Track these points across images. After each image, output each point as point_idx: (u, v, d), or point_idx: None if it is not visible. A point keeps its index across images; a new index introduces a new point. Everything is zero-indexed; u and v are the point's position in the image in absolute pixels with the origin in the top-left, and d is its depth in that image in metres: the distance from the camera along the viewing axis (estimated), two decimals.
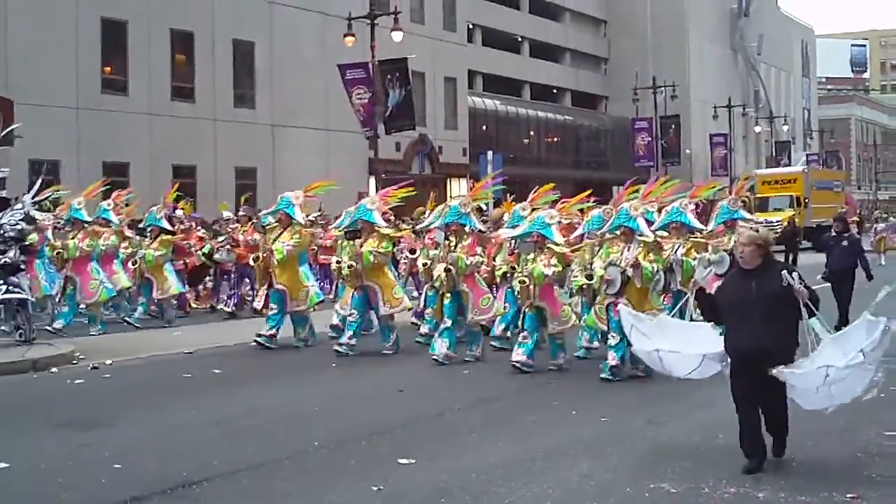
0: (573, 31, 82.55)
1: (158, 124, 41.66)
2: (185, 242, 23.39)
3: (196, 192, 39.42)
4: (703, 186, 17.04)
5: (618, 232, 14.99)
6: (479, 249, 16.61)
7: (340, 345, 17.03)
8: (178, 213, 25.03)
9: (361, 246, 17.15)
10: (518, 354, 15.20)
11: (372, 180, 45.32)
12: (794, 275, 9.14)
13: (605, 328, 14.76)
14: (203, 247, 24.03)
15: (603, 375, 14.49)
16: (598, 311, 14.83)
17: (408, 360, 16.80)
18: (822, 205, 56.95)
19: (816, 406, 9.59)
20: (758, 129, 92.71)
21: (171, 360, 16.60)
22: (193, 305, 24.69)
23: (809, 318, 9.28)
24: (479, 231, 17.12)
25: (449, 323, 16.31)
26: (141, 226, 22.45)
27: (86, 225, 20.65)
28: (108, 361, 16.36)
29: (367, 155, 44.92)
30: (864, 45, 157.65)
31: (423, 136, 55.19)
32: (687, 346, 10.18)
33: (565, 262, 15.64)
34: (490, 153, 49.08)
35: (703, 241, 16.57)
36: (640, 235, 14.75)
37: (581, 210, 18.62)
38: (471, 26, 66.94)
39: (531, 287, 15.27)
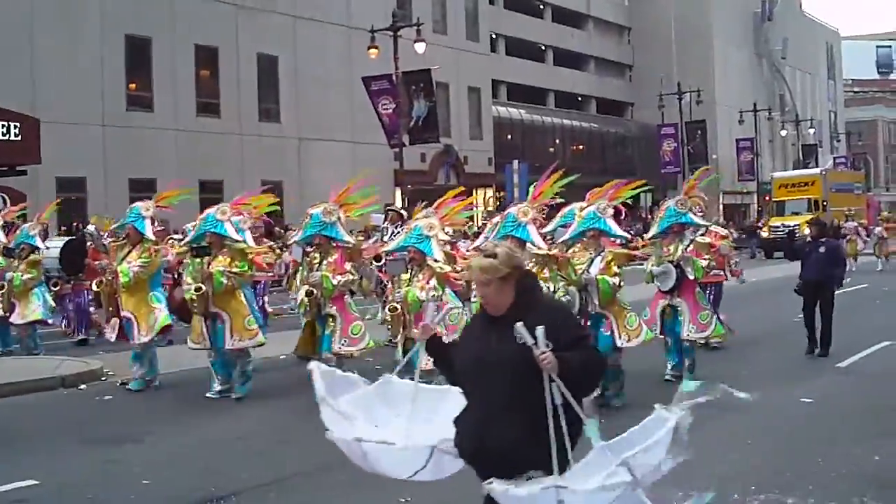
0: (597, 39, 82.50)
1: (184, 140, 41.82)
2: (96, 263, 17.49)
3: None
4: (624, 187, 14.33)
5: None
6: (348, 266, 13.90)
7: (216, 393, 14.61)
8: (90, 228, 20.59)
9: (209, 265, 14.44)
10: None
11: (398, 192, 45.40)
12: (540, 329, 5.47)
13: None
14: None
15: None
16: None
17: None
18: (842, 208, 56.35)
19: None
20: (784, 132, 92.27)
21: (193, 377, 16.23)
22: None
23: (559, 401, 5.57)
24: (347, 244, 14.12)
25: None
26: (11, 245, 19.27)
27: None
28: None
29: (393, 166, 44.99)
30: (890, 47, 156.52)
31: (447, 147, 55.21)
32: (412, 432, 6.26)
33: (446, 283, 12.97)
34: (516, 162, 49.18)
35: (627, 252, 14.33)
36: (531, 246, 12.51)
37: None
38: (494, 36, 67.00)
39: (405, 315, 12.76)
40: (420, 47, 42.25)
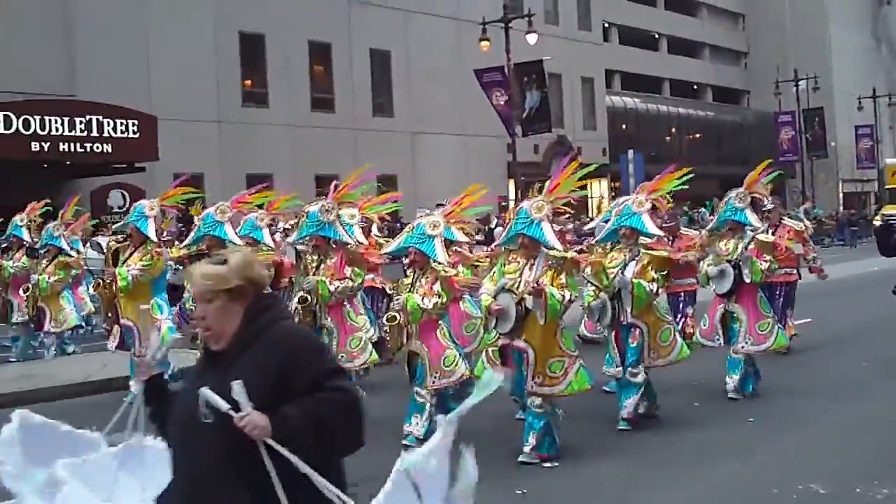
0: (711, 26, 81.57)
1: (299, 135, 42.17)
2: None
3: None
4: (667, 176, 12.43)
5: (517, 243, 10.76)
6: (348, 271, 12.35)
7: None
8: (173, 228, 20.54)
9: None
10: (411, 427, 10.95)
11: (511, 184, 45.35)
12: (238, 386, 4.16)
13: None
14: None
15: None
16: (493, 354, 10.62)
17: None
18: None
19: None
20: None
21: None
22: None
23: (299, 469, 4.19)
24: (347, 245, 12.68)
25: None
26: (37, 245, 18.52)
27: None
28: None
29: (506, 158, 44.94)
30: None
31: (561, 138, 54.95)
32: None
33: (452, 288, 11.34)
34: (630, 152, 48.78)
35: (667, 255, 12.23)
36: (547, 248, 10.43)
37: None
38: (606, 25, 66.58)
39: (407, 326, 11.17)
40: (532, 38, 42.19)
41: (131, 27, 36.84)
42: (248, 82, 42.11)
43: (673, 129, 72.18)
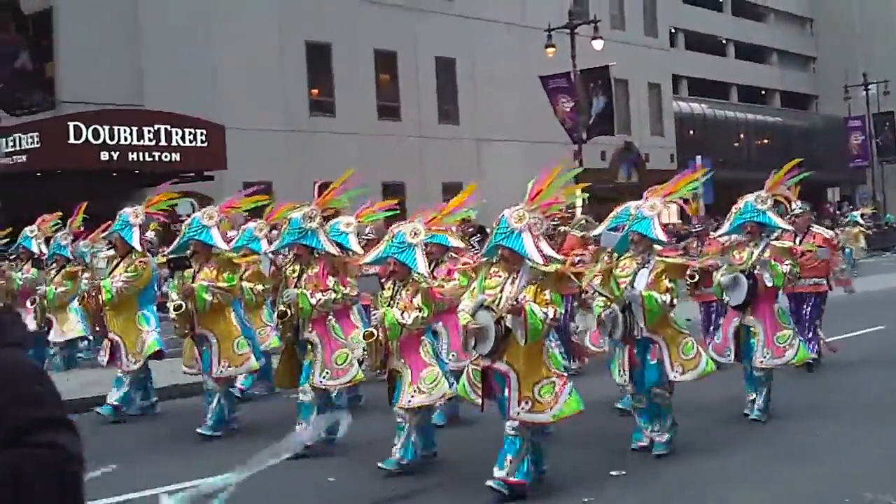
0: (779, 31, 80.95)
1: (366, 143, 42.26)
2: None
3: (405, 209, 39.84)
4: (683, 179, 11.53)
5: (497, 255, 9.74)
6: (331, 281, 11.35)
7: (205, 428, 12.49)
8: (149, 234, 19.46)
9: (194, 278, 12.57)
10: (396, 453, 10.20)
11: (578, 191, 45.14)
12: None
13: (477, 401, 9.60)
14: None
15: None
16: (474, 375, 9.64)
17: None
18: None
19: None
20: None
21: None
22: None
23: None
24: (330, 255, 11.61)
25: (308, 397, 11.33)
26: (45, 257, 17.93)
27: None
28: None
29: (572, 165, 44.75)
30: None
31: (628, 144, 54.75)
32: None
33: (435, 302, 10.50)
34: (699, 158, 48.39)
35: (683, 262, 11.41)
36: (529, 260, 9.33)
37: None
38: (673, 30, 66.23)
39: (387, 343, 10.23)
40: (598, 44, 42.03)
41: (198, 38, 37.15)
42: (315, 91, 42.30)
43: (741, 135, 71.64)
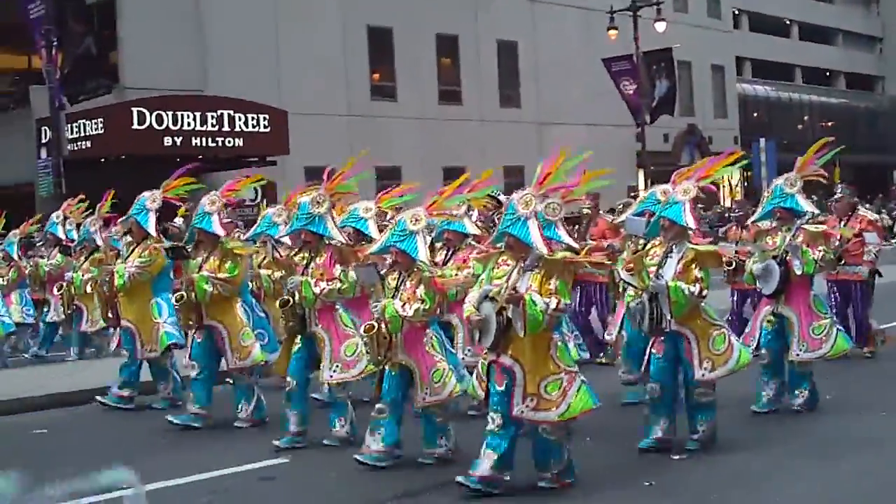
0: (844, 12, 79.88)
1: (427, 128, 42.28)
2: None
3: None
4: (717, 162, 10.57)
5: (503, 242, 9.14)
6: (337, 270, 10.66)
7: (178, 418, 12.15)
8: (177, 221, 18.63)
9: (200, 269, 12.05)
10: (369, 445, 9.78)
11: (641, 173, 44.92)
12: None
13: (481, 396, 9.11)
14: None
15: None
16: (481, 368, 9.04)
17: None
18: None
19: None
20: None
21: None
22: None
23: None
24: (339, 243, 10.89)
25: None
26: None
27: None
28: None
29: (635, 148, 44.55)
30: None
31: (691, 127, 54.41)
32: None
33: (438, 292, 9.83)
34: (763, 140, 48.05)
35: (715, 250, 10.44)
36: (535, 249, 8.67)
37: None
38: (736, 12, 65.62)
39: (388, 335, 9.68)
40: (660, 26, 41.87)
41: (261, 23, 37.36)
42: (377, 76, 42.36)
43: (805, 117, 70.99)
